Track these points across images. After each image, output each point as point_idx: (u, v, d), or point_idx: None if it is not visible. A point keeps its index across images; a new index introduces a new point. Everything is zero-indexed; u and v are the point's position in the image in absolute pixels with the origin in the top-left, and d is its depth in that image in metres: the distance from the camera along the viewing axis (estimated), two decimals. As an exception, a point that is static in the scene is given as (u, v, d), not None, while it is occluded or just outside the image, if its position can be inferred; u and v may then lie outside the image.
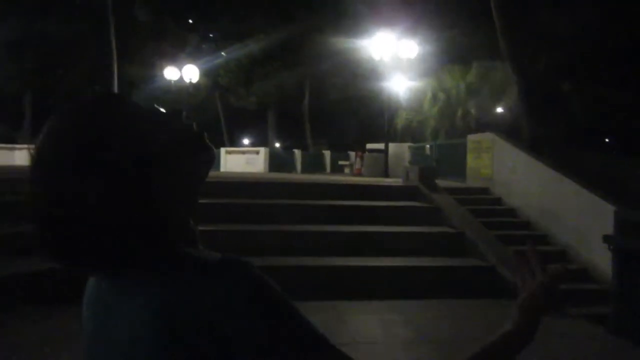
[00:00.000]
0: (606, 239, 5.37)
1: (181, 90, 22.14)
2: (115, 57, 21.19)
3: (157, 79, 23.71)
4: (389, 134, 16.34)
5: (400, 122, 19.89)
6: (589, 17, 17.18)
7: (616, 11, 17.18)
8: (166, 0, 26.95)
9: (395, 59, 15.99)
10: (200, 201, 0.86)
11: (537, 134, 13.50)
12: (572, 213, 8.57)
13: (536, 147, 11.42)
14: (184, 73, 20.99)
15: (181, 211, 0.80)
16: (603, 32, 17.30)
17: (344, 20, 20.91)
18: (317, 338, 0.73)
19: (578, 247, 8.30)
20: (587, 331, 5.62)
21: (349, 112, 25.09)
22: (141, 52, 24.96)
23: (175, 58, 22.27)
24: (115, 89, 20.76)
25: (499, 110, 17.46)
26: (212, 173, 0.88)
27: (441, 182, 10.64)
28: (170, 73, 21.46)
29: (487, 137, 11.65)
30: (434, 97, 18.87)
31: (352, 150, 20.98)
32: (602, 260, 7.09)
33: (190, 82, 21.15)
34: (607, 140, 19.19)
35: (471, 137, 12.54)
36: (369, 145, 18.41)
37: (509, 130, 13.80)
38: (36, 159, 0.73)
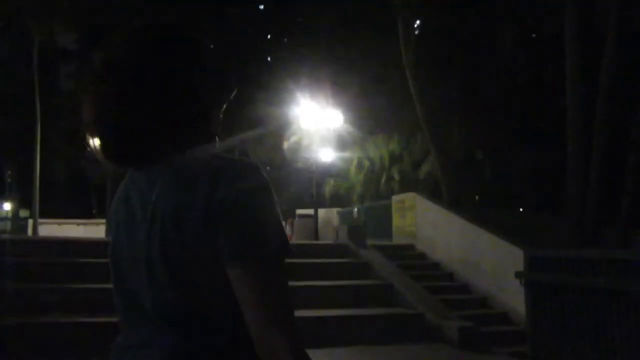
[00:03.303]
0: (517, 274, 5.89)
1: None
2: (38, 128, 20.74)
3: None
4: (317, 201, 16.84)
5: (328, 189, 20.54)
6: (494, 93, 19.02)
7: (520, 88, 19.16)
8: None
9: (320, 128, 16.81)
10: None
11: (455, 195, 14.45)
12: (490, 262, 9.16)
13: (454, 205, 12.21)
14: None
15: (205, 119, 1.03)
16: (507, 108, 19.14)
17: (271, 92, 21.82)
18: (284, 251, 0.93)
19: (497, 294, 8.82)
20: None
21: (278, 180, 25.58)
22: (65, 122, 24.57)
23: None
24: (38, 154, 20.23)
25: (421, 176, 18.50)
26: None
27: (369, 242, 11.08)
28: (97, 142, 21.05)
29: (410, 196, 12.34)
30: (360, 165, 19.75)
31: (283, 218, 21.19)
32: (519, 304, 7.60)
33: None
34: (520, 207, 20.71)
35: (395, 198, 13.22)
36: (299, 211, 18.80)
37: (430, 194, 14.66)
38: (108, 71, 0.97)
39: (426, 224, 11.39)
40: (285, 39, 29.99)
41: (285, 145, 22.31)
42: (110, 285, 1.06)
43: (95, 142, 0.98)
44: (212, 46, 1.07)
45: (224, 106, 1.08)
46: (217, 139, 1.05)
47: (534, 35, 20.97)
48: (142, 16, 23.28)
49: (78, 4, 21.52)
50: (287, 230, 19.32)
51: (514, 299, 8.05)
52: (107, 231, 1.11)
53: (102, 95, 0.97)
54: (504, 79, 18.83)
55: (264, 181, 0.96)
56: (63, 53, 28.71)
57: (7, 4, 19.66)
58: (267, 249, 0.92)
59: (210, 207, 0.91)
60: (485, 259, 9.27)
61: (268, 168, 27.46)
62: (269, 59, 29.18)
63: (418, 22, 19.64)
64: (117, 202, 1.07)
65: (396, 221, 12.76)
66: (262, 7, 30.52)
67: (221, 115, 1.08)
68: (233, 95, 1.09)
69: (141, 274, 0.96)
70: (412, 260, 10.71)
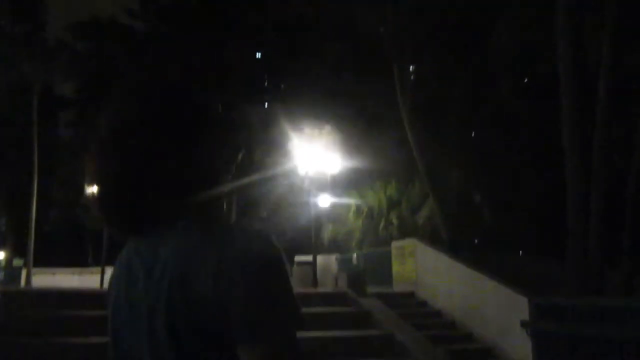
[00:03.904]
0: (523, 324, 5.73)
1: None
2: (36, 175, 20.76)
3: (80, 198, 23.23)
4: (316, 247, 16.64)
5: (327, 235, 20.40)
6: (491, 137, 19.19)
7: (517, 131, 19.33)
8: (90, 119, 27.36)
9: (319, 174, 16.80)
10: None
11: (454, 240, 14.32)
12: (493, 310, 8.95)
13: (454, 250, 12.06)
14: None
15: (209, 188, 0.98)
16: (505, 151, 19.25)
17: (269, 138, 21.98)
18: (299, 326, 0.87)
19: (502, 343, 8.56)
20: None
21: (276, 225, 25.49)
22: (63, 170, 24.65)
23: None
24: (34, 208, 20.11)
25: (419, 221, 18.41)
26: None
27: (369, 289, 10.90)
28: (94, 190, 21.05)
29: (410, 242, 12.21)
30: (358, 210, 19.69)
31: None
32: (526, 354, 7.36)
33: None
34: (520, 251, 20.58)
35: (395, 244, 13.07)
36: (297, 258, 18.57)
37: (429, 238, 14.53)
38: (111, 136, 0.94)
39: (427, 270, 11.23)
40: (282, 85, 30.48)
41: (283, 190, 22.31)
42: (105, 339, 0.99)
43: (97, 208, 0.94)
44: (220, 107, 1.04)
45: (233, 169, 1.03)
46: (224, 203, 1.00)
47: (526, 80, 21.32)
48: (140, 64, 23.82)
49: (77, 54, 21.92)
50: (286, 277, 19.02)
51: (519, 348, 7.81)
52: (107, 302, 1.04)
53: (106, 161, 0.94)
54: (500, 122, 19.02)
55: (277, 252, 0.90)
56: (62, 101, 29.07)
57: (7, 54, 20.02)
58: (282, 326, 0.86)
59: (219, 282, 0.84)
60: (489, 307, 9.06)
61: (265, 213, 27.40)
62: (266, 104, 29.55)
63: (413, 68, 19.99)
64: (119, 271, 1.01)
65: (396, 267, 12.58)
66: (259, 54, 31.12)
67: (230, 178, 1.03)
68: (241, 157, 1.05)
69: (143, 349, 0.89)
70: (413, 308, 10.49)
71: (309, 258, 16.41)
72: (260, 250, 0.88)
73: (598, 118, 10.15)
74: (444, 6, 17.53)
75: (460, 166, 18.41)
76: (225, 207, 1.02)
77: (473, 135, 18.96)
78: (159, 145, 0.92)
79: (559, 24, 10.28)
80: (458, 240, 14.71)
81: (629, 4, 11.26)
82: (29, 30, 21.23)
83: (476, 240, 18.99)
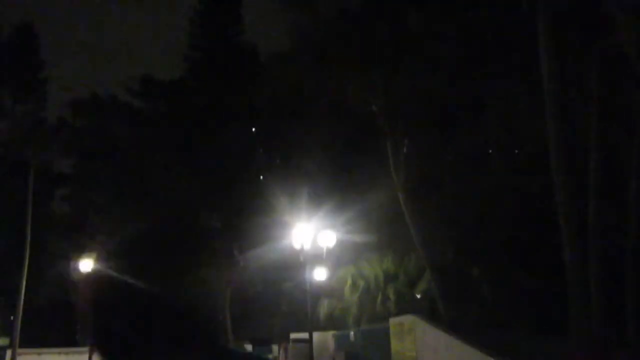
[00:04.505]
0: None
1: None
2: (27, 249, 20.51)
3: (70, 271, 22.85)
4: (312, 323, 16.23)
5: (323, 310, 19.91)
6: (492, 207, 19.18)
7: (511, 203, 19.35)
8: (86, 195, 27.47)
9: (315, 248, 16.64)
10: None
11: (453, 316, 14.01)
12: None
13: (454, 327, 11.78)
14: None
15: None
16: (508, 222, 19.16)
17: (262, 213, 22.00)
18: None
19: None
20: None
21: (271, 303, 24.98)
22: (56, 245, 24.43)
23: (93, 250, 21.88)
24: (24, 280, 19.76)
25: (417, 295, 18.09)
26: None
27: (368, 368, 10.54)
28: (86, 266, 20.79)
29: (409, 319, 11.95)
30: (354, 284, 19.36)
31: (275, 342, 20.46)
32: None
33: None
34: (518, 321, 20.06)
35: (393, 320, 12.79)
36: (293, 335, 18.10)
37: (427, 312, 14.23)
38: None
39: (427, 348, 10.92)
40: (277, 160, 30.83)
41: (278, 264, 22.02)
42: None
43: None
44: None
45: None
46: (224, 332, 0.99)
47: (516, 151, 21.66)
48: (139, 141, 24.21)
49: (77, 131, 22.28)
50: (281, 355, 18.42)
51: None
52: None
53: (101, 316, 0.94)
54: (495, 195, 19.12)
55: None
56: (59, 177, 29.18)
57: (5, 132, 20.35)
58: None
59: None
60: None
61: (260, 288, 26.90)
62: (261, 177, 29.80)
63: (406, 142, 20.34)
64: None
65: (395, 345, 12.23)
66: (253, 129, 31.71)
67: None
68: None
69: None
70: (414, 389, 10.09)
71: (305, 335, 15.95)
72: None
73: (591, 193, 10.27)
74: (434, 83, 18.08)
75: (456, 240, 18.32)
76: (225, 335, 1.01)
77: (468, 208, 18.98)
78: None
79: (547, 106, 10.61)
80: (457, 316, 14.39)
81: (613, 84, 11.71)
82: (30, 110, 21.69)
83: (475, 315, 18.57)
